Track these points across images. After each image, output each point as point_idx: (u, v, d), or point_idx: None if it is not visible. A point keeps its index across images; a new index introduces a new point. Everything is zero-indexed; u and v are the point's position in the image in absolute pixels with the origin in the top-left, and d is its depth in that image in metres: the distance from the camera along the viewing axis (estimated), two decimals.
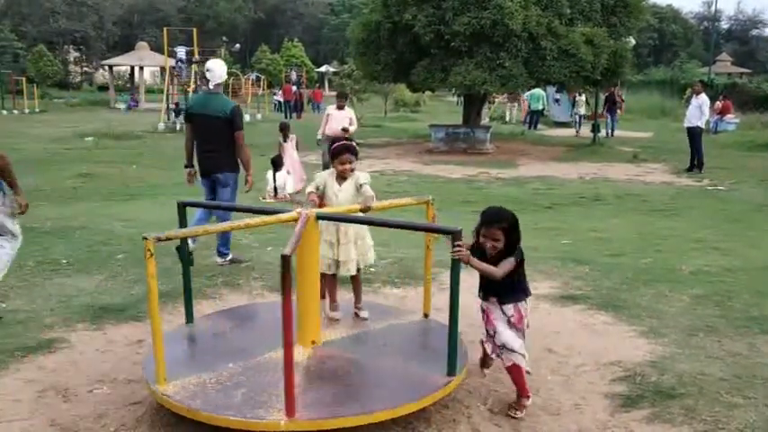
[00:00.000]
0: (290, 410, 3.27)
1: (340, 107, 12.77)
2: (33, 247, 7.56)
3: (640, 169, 16.54)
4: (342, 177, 4.57)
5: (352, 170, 4.57)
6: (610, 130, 24.77)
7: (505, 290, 3.88)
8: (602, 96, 25.06)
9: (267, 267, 6.55)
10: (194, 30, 30.13)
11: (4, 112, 33.02)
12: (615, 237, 8.73)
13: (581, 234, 8.87)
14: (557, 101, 30.45)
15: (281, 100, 37.16)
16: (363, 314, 4.74)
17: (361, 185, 4.50)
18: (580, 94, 25.89)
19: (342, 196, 4.53)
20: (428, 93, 29.73)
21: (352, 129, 12.15)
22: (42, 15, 56.72)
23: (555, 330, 5.06)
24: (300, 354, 3.96)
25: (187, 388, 3.58)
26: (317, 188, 4.55)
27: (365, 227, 4.70)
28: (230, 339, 4.31)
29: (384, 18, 19.50)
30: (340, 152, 4.53)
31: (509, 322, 3.92)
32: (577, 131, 25.78)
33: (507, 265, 3.78)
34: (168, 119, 26.82)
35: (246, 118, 32.80)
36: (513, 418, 3.79)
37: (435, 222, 4.52)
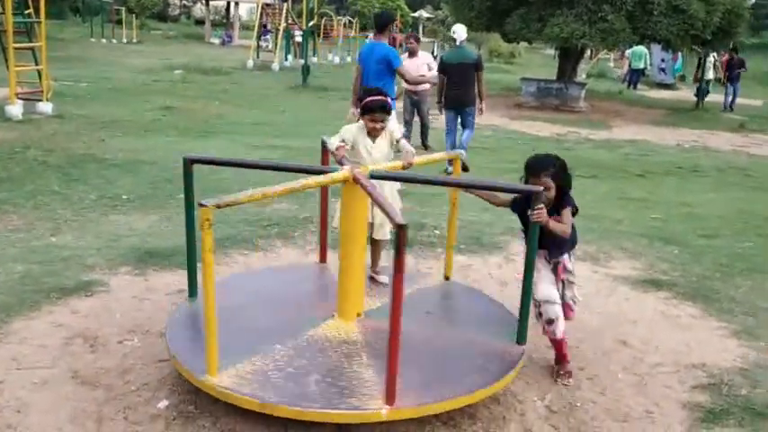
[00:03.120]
0: (390, 398, 2.92)
1: (412, 53, 10.57)
2: (98, 180, 7.49)
3: (747, 140, 15.29)
4: (373, 134, 4.12)
5: (383, 129, 4.12)
6: (730, 102, 21.53)
7: (556, 243, 3.62)
8: (713, 59, 23.15)
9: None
10: None
11: (104, 40, 33.62)
12: (711, 214, 7.93)
13: (673, 209, 8.11)
14: (662, 64, 28.46)
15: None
16: (382, 279, 4.34)
17: (397, 141, 4.13)
18: (708, 56, 23.48)
19: (376, 153, 4.08)
20: (524, 44, 28.48)
21: (431, 74, 10.23)
22: None
23: (632, 319, 4.51)
24: (349, 329, 3.62)
25: (245, 377, 3.11)
26: (345, 142, 4.05)
27: (396, 186, 4.37)
28: (258, 314, 3.83)
29: None
30: (373, 109, 4.04)
31: (554, 276, 3.72)
32: (701, 101, 21.72)
33: (568, 217, 3.57)
34: (258, 56, 26.69)
35: (336, 60, 32.79)
36: (566, 386, 3.59)
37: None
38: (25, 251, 5.08)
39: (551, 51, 37.79)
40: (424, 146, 11.09)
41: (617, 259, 5.69)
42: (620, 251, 5.88)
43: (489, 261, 5.49)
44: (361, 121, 4.12)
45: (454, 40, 9.92)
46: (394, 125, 4.37)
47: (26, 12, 12.57)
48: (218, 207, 2.94)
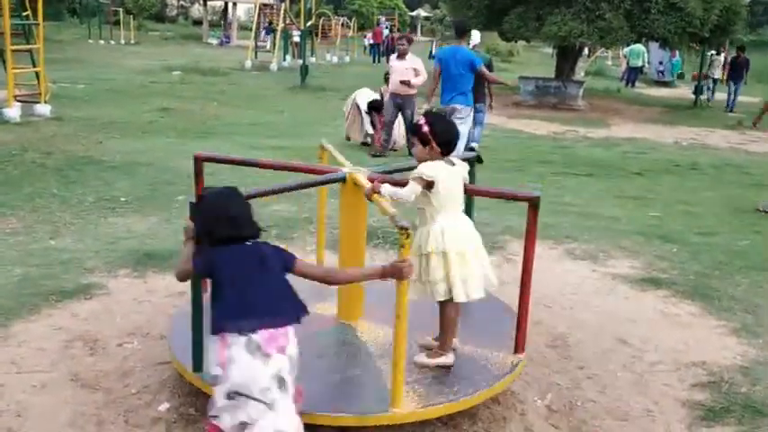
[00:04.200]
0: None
1: (401, 55, 10.29)
2: (96, 182, 7.49)
3: (745, 137, 15.30)
4: None
5: None
6: (731, 102, 20.93)
7: None
8: (714, 57, 23.14)
9: (327, 222, 6.20)
10: None
11: (101, 41, 33.57)
12: (709, 212, 7.95)
13: (671, 206, 8.12)
14: (660, 67, 28.53)
15: (372, 42, 36.52)
16: None
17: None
18: (718, 53, 23.37)
19: None
20: (522, 43, 28.47)
21: (418, 81, 10.12)
22: None
23: (631, 318, 4.51)
24: (350, 331, 3.63)
25: None
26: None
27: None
28: None
29: None
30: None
31: None
32: (708, 99, 22.02)
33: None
34: (256, 57, 26.69)
35: (333, 60, 32.77)
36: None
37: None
38: (24, 254, 5.08)
39: (549, 50, 37.85)
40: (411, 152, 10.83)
41: (615, 258, 5.69)
42: (618, 250, 5.88)
43: (495, 263, 5.48)
44: None
45: (457, 39, 9.49)
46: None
47: (24, 14, 12.57)
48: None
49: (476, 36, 11.78)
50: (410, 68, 10.16)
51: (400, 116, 10.57)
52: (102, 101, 14.22)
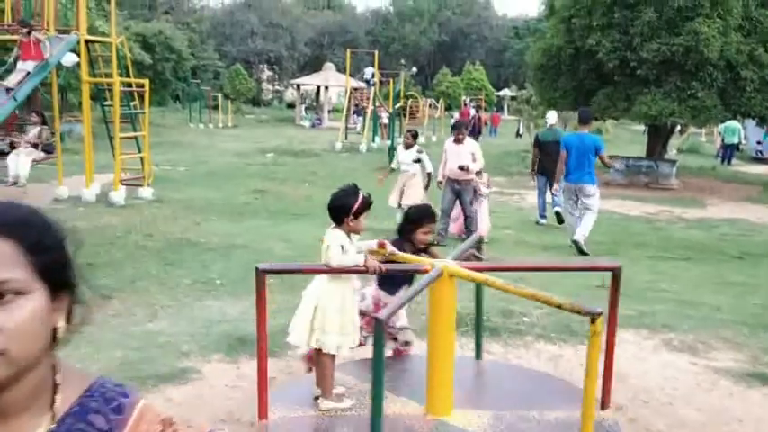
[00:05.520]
0: None
1: (458, 140, 10.00)
2: (193, 264, 7.77)
3: None
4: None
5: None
6: None
7: None
8: None
9: (414, 306, 6.21)
10: (376, 53, 30.73)
11: (201, 125, 35.40)
12: None
13: None
14: (759, 147, 27.65)
15: None
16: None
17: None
18: None
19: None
20: (611, 120, 28.25)
21: (475, 166, 9.86)
22: (242, 36, 60.74)
23: (737, 417, 4.27)
24: (440, 425, 3.57)
25: None
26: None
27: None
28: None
29: (565, 43, 18.71)
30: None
31: None
32: None
33: None
34: (346, 138, 27.48)
35: (421, 140, 33.28)
36: None
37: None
38: (124, 336, 5.29)
39: (640, 126, 37.33)
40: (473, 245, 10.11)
41: (717, 350, 5.43)
42: (720, 341, 5.61)
43: (581, 350, 5.34)
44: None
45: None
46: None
47: (132, 103, 13.44)
48: (266, 272, 3.37)
49: (552, 116, 12.79)
50: (468, 153, 9.89)
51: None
52: (200, 183, 14.90)
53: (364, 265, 3.54)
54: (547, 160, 11.59)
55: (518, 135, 35.68)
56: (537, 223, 12.13)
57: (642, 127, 36.03)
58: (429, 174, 10.46)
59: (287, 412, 3.72)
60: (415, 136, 10.95)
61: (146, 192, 12.42)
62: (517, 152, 26.06)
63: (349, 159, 22.52)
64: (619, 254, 9.68)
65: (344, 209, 3.62)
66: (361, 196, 3.66)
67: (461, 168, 9.79)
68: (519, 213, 13.43)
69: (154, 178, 13.20)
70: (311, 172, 18.19)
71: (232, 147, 24.13)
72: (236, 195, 13.55)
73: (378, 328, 3.05)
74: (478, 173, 9.98)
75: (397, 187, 10.71)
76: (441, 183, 10.36)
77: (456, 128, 10.27)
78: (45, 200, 11.71)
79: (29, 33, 10.84)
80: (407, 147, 10.67)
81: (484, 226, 10.00)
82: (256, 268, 3.63)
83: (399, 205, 10.29)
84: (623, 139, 37.29)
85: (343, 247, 3.55)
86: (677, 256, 9.58)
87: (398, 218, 9.75)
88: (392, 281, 4.14)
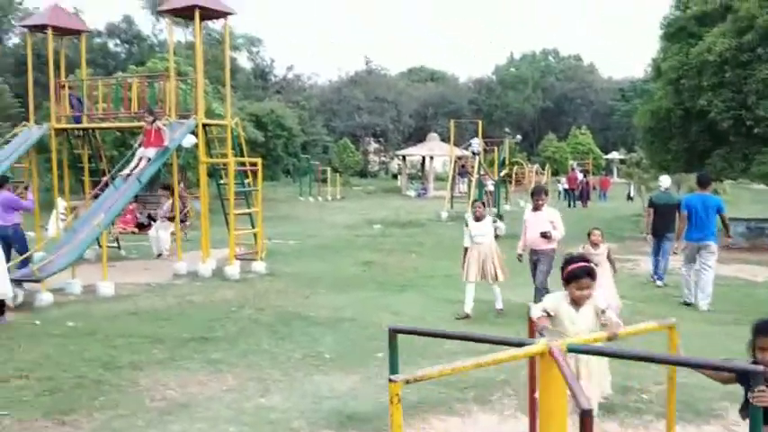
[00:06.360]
0: None
1: (537, 208, 9.42)
2: (303, 338, 7.90)
3: None
4: (577, 302, 4.03)
5: (590, 296, 4.03)
6: None
7: None
8: None
9: (524, 381, 6.04)
10: (480, 122, 30.96)
11: (311, 198, 36.51)
12: None
13: None
14: None
15: (566, 188, 36.52)
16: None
17: (603, 311, 4.05)
18: None
19: (580, 323, 4.00)
20: (728, 180, 27.06)
21: (557, 234, 9.25)
22: (349, 111, 62.78)
23: None
24: None
25: None
26: (547, 311, 4.02)
27: (605, 358, 4.15)
28: None
29: (675, 105, 18.24)
30: (578, 276, 3.98)
31: None
32: None
33: None
34: (451, 207, 27.56)
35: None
36: None
37: (678, 351, 3.72)
38: (237, 412, 5.41)
39: (762, 186, 35.52)
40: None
41: None
42: None
43: (705, 431, 5.02)
44: (564, 291, 4.09)
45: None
46: (599, 294, 4.26)
47: (246, 181, 14.06)
48: (407, 383, 2.99)
49: (665, 181, 13.13)
50: (546, 221, 9.28)
51: None
52: (309, 256, 15.27)
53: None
54: (661, 223, 12.15)
55: (629, 198, 34.76)
56: (654, 284, 12.35)
57: (764, 186, 34.33)
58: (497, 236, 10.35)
59: None
60: (543, 192, 9.70)
61: (259, 266, 12.84)
62: (629, 216, 25.31)
63: (455, 228, 22.43)
64: (747, 324, 9.11)
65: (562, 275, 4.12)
66: (569, 266, 4.08)
67: (543, 235, 9.18)
68: (634, 279, 12.94)
69: (266, 252, 13.65)
70: (418, 242, 18.29)
71: (340, 219, 24.68)
72: (344, 267, 13.78)
73: None
74: (594, 244, 8.92)
75: (473, 261, 9.61)
76: (520, 256, 9.65)
77: (535, 194, 9.59)
78: (165, 275, 12.31)
79: (153, 122, 11.71)
80: (478, 218, 9.77)
81: (614, 301, 8.64)
82: (389, 328, 3.79)
83: (485, 278, 9.62)
84: (744, 199, 35.55)
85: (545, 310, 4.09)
86: None
87: (469, 292, 9.56)
88: None
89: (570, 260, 4.15)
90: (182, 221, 14.45)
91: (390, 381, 2.94)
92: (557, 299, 4.11)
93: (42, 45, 15.45)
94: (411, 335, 4.10)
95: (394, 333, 3.78)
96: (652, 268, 12.73)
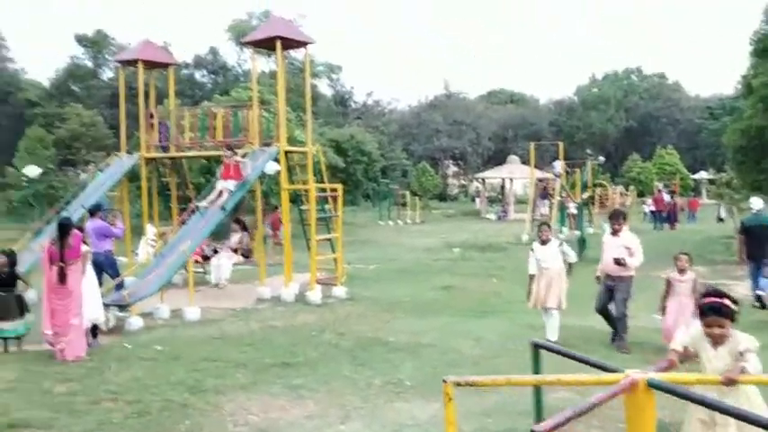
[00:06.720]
0: None
1: (615, 231, 9.12)
2: (384, 365, 7.90)
3: None
4: (714, 340, 3.80)
5: (723, 335, 3.77)
6: None
7: None
8: None
9: (611, 413, 5.84)
10: (560, 144, 30.51)
11: (390, 222, 36.67)
12: None
13: None
14: None
15: (653, 209, 35.40)
16: None
17: (741, 353, 3.70)
18: None
19: (716, 364, 3.76)
20: None
21: (631, 262, 8.90)
22: (428, 135, 63.04)
23: None
24: None
25: None
26: (685, 347, 3.84)
27: (758, 400, 3.81)
28: None
29: (767, 123, 17.51)
30: (703, 313, 3.80)
31: None
32: None
33: None
34: (532, 230, 27.14)
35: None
36: None
37: None
38: None
39: None
40: (615, 342, 9.06)
41: None
42: None
43: None
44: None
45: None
46: (740, 335, 3.94)
47: (326, 207, 14.25)
48: (458, 385, 3.31)
49: (757, 203, 13.09)
50: (621, 246, 8.97)
51: None
52: (389, 280, 15.30)
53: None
54: (754, 245, 12.09)
55: (719, 220, 33.40)
56: (753, 305, 11.81)
57: None
58: (570, 264, 9.52)
59: None
60: (622, 215, 9.48)
61: (339, 290, 12.96)
62: (719, 238, 24.31)
63: None
64: None
65: None
66: (700, 301, 4.07)
67: (617, 262, 8.90)
68: None
69: (347, 277, 13.76)
70: (498, 266, 18.06)
71: (420, 242, 24.66)
72: (423, 292, 13.73)
73: None
74: (681, 270, 8.45)
75: (540, 288, 9.30)
76: (598, 278, 9.37)
77: (612, 217, 9.31)
78: (249, 300, 12.57)
79: (231, 156, 12.08)
80: (544, 242, 9.41)
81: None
82: (532, 342, 4.21)
83: (545, 308, 9.35)
84: None
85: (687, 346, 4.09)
86: None
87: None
88: None
89: (703, 294, 3.97)
90: (245, 256, 14.74)
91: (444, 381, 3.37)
92: (698, 334, 3.92)
93: (134, 78, 16.16)
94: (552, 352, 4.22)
95: (536, 348, 4.21)
96: (751, 286, 12.34)
